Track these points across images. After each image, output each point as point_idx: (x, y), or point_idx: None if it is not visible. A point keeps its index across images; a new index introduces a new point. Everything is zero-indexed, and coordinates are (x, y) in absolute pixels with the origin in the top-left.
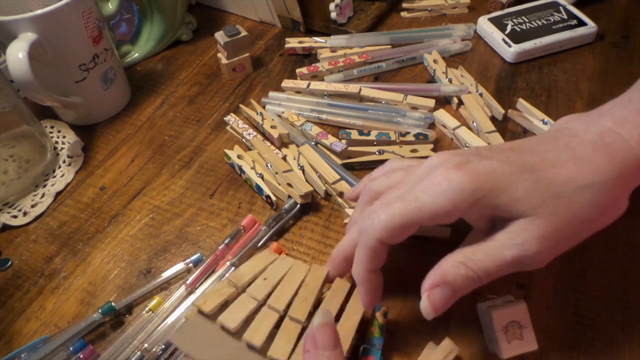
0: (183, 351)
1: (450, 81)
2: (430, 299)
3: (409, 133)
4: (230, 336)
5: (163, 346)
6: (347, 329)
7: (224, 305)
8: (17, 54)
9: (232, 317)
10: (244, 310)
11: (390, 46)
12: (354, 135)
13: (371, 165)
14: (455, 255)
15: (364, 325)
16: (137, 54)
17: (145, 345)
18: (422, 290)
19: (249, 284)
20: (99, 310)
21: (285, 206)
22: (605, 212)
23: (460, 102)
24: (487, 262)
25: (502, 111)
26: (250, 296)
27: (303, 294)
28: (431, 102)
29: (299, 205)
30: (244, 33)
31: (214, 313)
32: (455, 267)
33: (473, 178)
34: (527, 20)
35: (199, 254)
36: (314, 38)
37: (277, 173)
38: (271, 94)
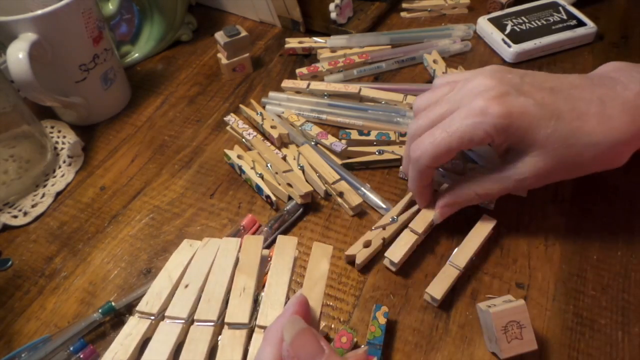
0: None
1: None
2: (441, 213)
3: None
4: None
5: None
6: (315, 296)
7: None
8: (18, 54)
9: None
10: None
11: (390, 46)
12: (354, 135)
13: (371, 165)
14: (470, 185)
15: (364, 325)
16: (137, 54)
17: None
18: (436, 205)
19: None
20: (99, 310)
21: (287, 207)
22: (604, 164)
23: None
24: (495, 189)
25: None
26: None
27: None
28: None
29: (301, 209)
30: (244, 33)
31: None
32: (467, 194)
33: (507, 114)
34: (526, 21)
35: None
36: (313, 38)
37: (277, 173)
38: (271, 94)
